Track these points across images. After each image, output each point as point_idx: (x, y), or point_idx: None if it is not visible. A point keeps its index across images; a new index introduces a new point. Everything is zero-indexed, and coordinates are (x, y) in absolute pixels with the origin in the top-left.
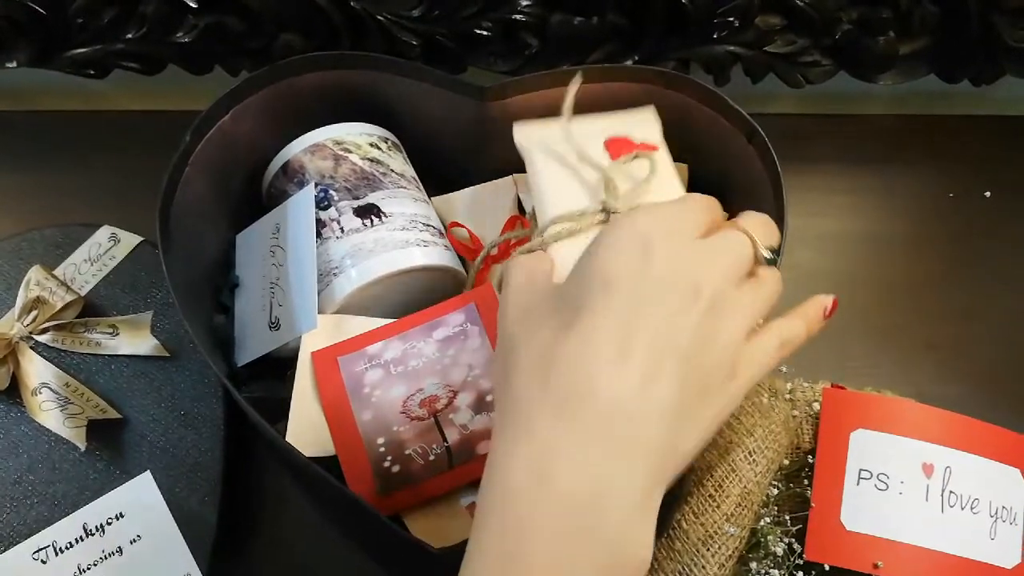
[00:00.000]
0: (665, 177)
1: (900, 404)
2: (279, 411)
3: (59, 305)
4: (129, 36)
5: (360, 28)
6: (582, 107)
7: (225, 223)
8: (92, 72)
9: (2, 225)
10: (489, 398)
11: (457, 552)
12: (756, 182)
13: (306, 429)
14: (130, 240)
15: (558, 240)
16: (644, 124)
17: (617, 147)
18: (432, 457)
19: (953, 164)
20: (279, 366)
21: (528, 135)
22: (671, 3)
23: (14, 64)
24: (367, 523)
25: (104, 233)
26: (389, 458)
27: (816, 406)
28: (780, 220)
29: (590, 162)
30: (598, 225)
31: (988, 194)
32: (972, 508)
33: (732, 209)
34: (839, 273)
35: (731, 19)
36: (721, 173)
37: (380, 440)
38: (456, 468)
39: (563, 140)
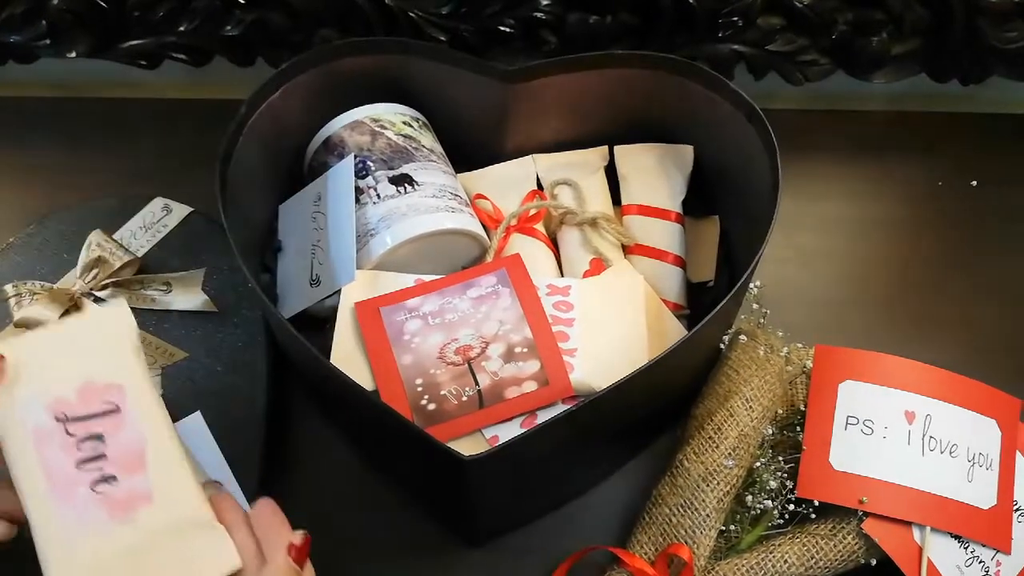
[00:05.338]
0: None
1: (885, 359)
2: None
3: (117, 264)
4: (181, 29)
5: (392, 23)
6: (600, 91)
7: (270, 193)
8: (144, 63)
9: (64, 198)
10: (518, 350)
11: (481, 461)
12: (755, 159)
13: (345, 369)
14: (181, 210)
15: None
16: None
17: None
18: (465, 398)
19: (942, 156)
20: (314, 323)
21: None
22: (679, 3)
23: (73, 54)
24: (401, 438)
25: (158, 204)
26: (426, 397)
27: (810, 364)
28: (775, 189)
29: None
30: None
31: (975, 183)
32: (951, 453)
33: (731, 180)
34: (836, 251)
35: (735, 19)
36: (723, 152)
37: (418, 381)
38: (486, 408)
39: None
